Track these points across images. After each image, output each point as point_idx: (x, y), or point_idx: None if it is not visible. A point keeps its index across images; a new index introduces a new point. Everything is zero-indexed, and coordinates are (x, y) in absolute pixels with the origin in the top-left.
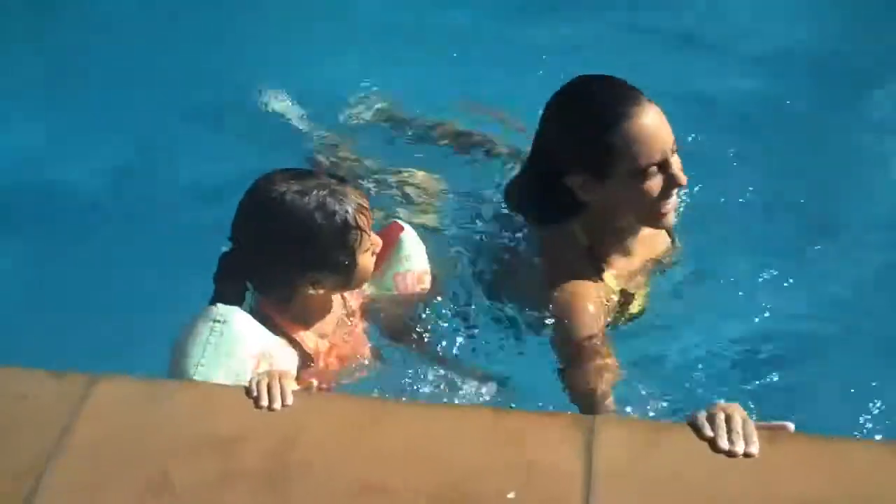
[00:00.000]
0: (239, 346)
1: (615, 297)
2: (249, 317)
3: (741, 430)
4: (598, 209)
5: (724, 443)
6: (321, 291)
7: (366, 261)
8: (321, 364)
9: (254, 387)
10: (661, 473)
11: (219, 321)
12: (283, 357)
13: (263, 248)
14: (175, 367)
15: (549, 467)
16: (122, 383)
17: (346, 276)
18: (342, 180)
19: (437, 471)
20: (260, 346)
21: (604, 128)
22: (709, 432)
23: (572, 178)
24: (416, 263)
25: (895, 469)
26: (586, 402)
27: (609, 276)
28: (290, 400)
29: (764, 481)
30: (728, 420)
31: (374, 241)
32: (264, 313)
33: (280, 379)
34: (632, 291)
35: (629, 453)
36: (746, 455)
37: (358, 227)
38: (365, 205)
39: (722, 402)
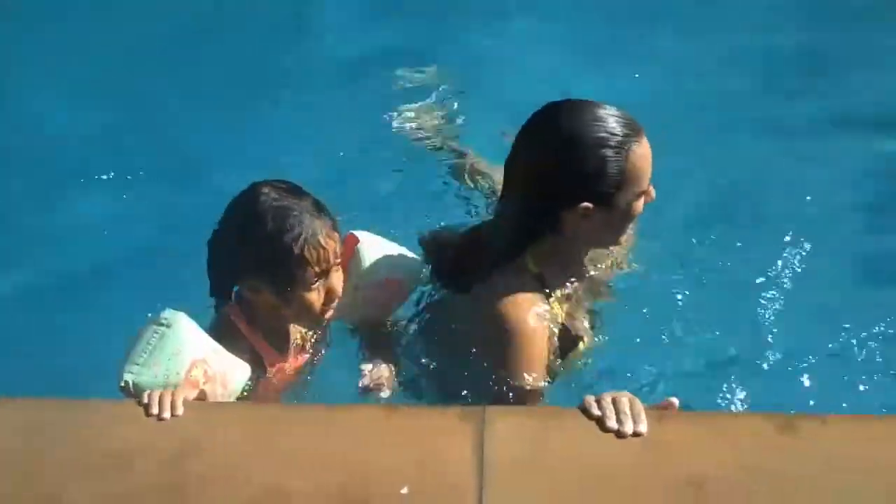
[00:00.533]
0: (177, 350)
1: (558, 322)
2: (194, 323)
3: (629, 410)
4: (567, 238)
5: (612, 423)
6: (258, 300)
7: (310, 297)
8: (274, 378)
9: (145, 397)
10: (554, 458)
11: (162, 324)
12: (224, 365)
13: (224, 235)
14: (119, 367)
15: (442, 459)
16: (13, 405)
17: (285, 298)
18: (321, 210)
19: (336, 471)
20: (198, 353)
21: (617, 155)
22: (596, 411)
23: (579, 209)
24: (375, 275)
25: (775, 440)
26: None
27: (555, 303)
28: (179, 410)
29: (654, 460)
30: (615, 402)
31: (331, 288)
32: (231, 320)
33: (173, 391)
34: (574, 332)
35: (521, 441)
36: (636, 434)
37: (303, 257)
38: (325, 244)
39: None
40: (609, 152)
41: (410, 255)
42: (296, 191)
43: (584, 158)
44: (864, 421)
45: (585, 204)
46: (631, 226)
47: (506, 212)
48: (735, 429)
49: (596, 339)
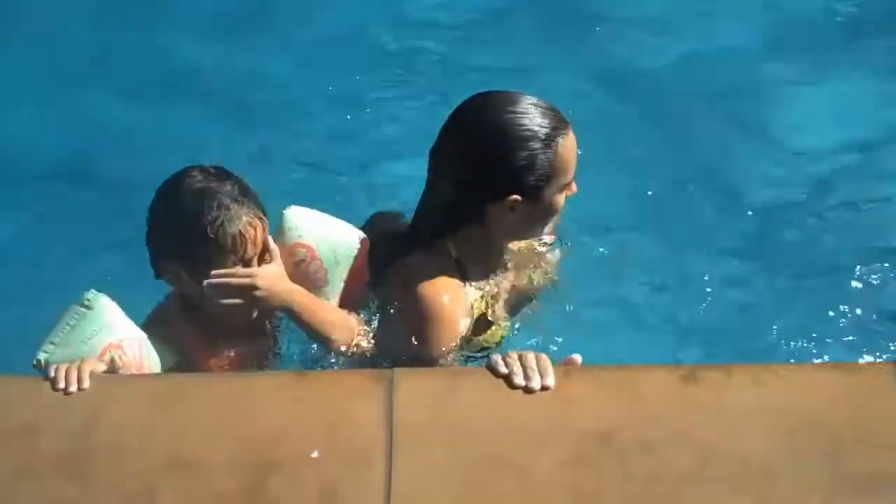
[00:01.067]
0: (93, 333)
1: (475, 311)
2: (117, 307)
3: (535, 365)
4: (489, 229)
5: (519, 379)
6: (180, 286)
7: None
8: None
9: (52, 371)
10: (463, 416)
11: (84, 305)
12: (143, 354)
13: (151, 217)
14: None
15: (351, 423)
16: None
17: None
18: (246, 195)
19: (243, 438)
20: (115, 337)
21: (546, 149)
22: (503, 369)
23: (506, 201)
24: (287, 236)
25: (676, 391)
26: None
27: (472, 289)
28: (86, 384)
29: (561, 414)
30: (522, 358)
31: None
32: (167, 305)
33: (80, 363)
34: (490, 319)
35: (430, 400)
36: (543, 388)
37: (219, 243)
38: (244, 230)
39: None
40: (538, 145)
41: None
42: (223, 175)
43: (514, 151)
44: (763, 370)
45: (514, 197)
46: (553, 220)
47: (431, 199)
48: (640, 381)
49: (512, 330)
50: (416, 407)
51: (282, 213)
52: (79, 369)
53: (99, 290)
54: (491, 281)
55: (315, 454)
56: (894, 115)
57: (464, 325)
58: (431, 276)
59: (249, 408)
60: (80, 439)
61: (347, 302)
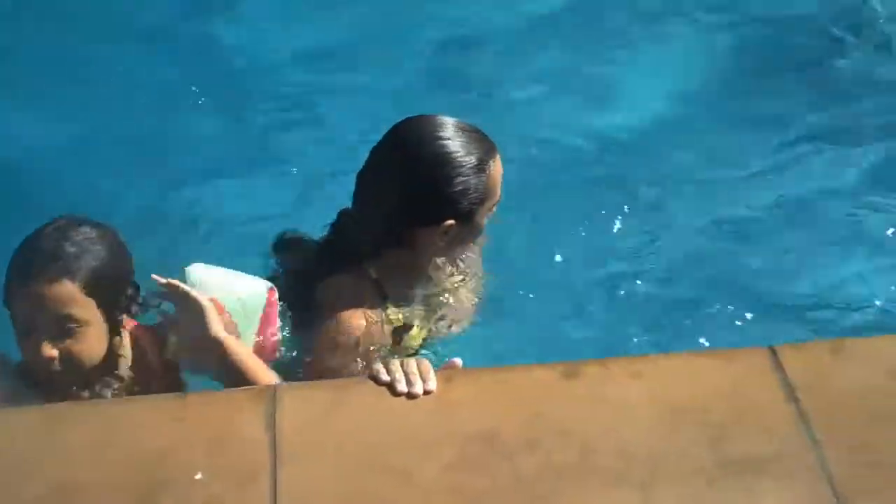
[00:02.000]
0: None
1: (392, 325)
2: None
3: (416, 371)
4: (416, 252)
5: (402, 386)
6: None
7: (30, 343)
8: None
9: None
10: (348, 428)
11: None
12: None
13: None
14: None
15: (235, 441)
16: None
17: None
18: (68, 238)
19: (127, 463)
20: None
21: (479, 174)
22: (385, 377)
23: (441, 227)
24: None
25: (557, 387)
26: None
27: (391, 307)
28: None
29: (445, 418)
30: (403, 364)
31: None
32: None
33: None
34: (410, 322)
35: (314, 415)
36: (426, 392)
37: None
38: (39, 282)
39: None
40: (471, 171)
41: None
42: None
43: (450, 179)
44: (641, 362)
45: (449, 222)
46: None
47: (357, 222)
48: (521, 380)
49: (434, 326)
50: (301, 420)
51: (183, 270)
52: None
53: None
54: (412, 294)
55: (199, 475)
56: None
57: (374, 348)
58: (347, 302)
59: (132, 430)
60: None
61: (259, 355)
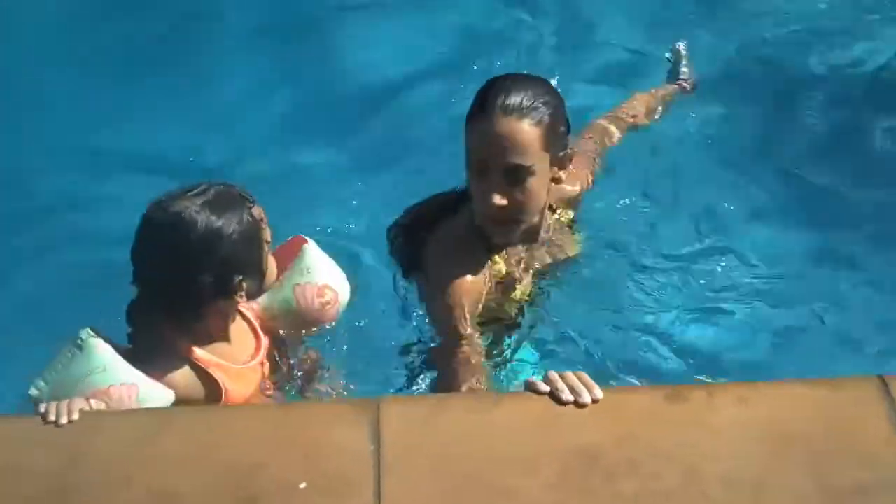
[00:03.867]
0: (83, 374)
1: (499, 275)
2: (109, 349)
3: (578, 381)
4: None
5: (566, 395)
6: (242, 301)
7: (271, 261)
8: (231, 396)
9: (41, 407)
10: (451, 441)
11: (77, 345)
12: (131, 400)
13: (174, 269)
14: None
15: (338, 452)
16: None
17: (261, 278)
18: (225, 184)
19: (226, 471)
20: (103, 384)
21: (472, 107)
22: (544, 388)
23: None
24: (316, 276)
25: (661, 410)
26: (442, 380)
27: (497, 257)
28: (75, 415)
29: (547, 436)
30: (564, 377)
31: (267, 237)
32: (171, 344)
33: (69, 402)
34: (515, 276)
35: (416, 427)
36: (595, 401)
37: (261, 220)
38: (252, 198)
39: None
40: (470, 111)
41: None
42: (186, 192)
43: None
44: (746, 388)
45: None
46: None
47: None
48: (625, 402)
49: (534, 292)
50: (403, 432)
51: (303, 249)
52: (68, 405)
53: (95, 329)
54: (519, 248)
55: (303, 485)
56: None
57: (481, 293)
58: (450, 262)
59: (232, 439)
60: (62, 476)
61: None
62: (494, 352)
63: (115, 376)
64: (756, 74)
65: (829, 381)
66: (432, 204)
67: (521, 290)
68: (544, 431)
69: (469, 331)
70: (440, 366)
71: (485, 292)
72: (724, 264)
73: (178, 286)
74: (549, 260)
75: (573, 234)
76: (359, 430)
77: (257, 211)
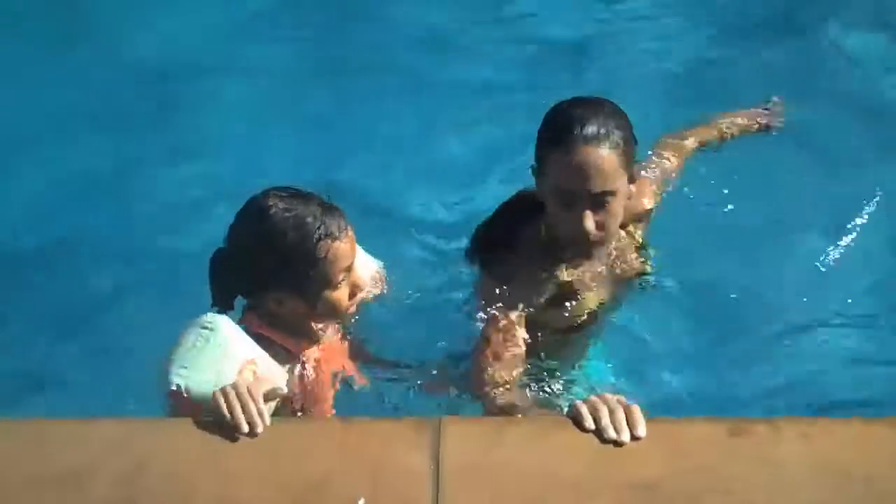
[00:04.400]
0: (224, 352)
1: (561, 282)
2: (236, 326)
3: (623, 417)
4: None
5: (610, 433)
6: (283, 310)
7: (337, 295)
8: (311, 372)
9: (224, 410)
10: (509, 467)
11: (206, 328)
12: (269, 368)
13: (237, 253)
14: (161, 373)
15: (397, 470)
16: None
17: (309, 302)
18: (331, 208)
19: (288, 484)
20: (245, 353)
21: (550, 141)
22: (591, 424)
23: (534, 166)
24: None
25: (723, 443)
26: (476, 378)
27: (562, 267)
28: (268, 420)
29: (606, 466)
30: (612, 412)
31: (354, 282)
32: (248, 325)
33: (250, 390)
34: (577, 288)
35: (476, 449)
36: (635, 439)
37: (327, 259)
38: (344, 240)
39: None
40: (550, 134)
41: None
42: (301, 195)
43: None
44: (810, 424)
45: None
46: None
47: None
48: (686, 433)
49: (604, 302)
50: (463, 454)
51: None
52: (254, 400)
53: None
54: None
55: (361, 501)
56: None
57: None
58: (510, 262)
59: (293, 453)
60: (129, 484)
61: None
62: (562, 356)
63: (250, 348)
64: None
65: (890, 419)
66: (507, 217)
67: (585, 301)
68: (602, 460)
69: (508, 323)
70: (473, 355)
71: (541, 298)
72: (811, 291)
73: (236, 270)
74: (616, 272)
75: (646, 250)
76: (420, 449)
77: (337, 246)
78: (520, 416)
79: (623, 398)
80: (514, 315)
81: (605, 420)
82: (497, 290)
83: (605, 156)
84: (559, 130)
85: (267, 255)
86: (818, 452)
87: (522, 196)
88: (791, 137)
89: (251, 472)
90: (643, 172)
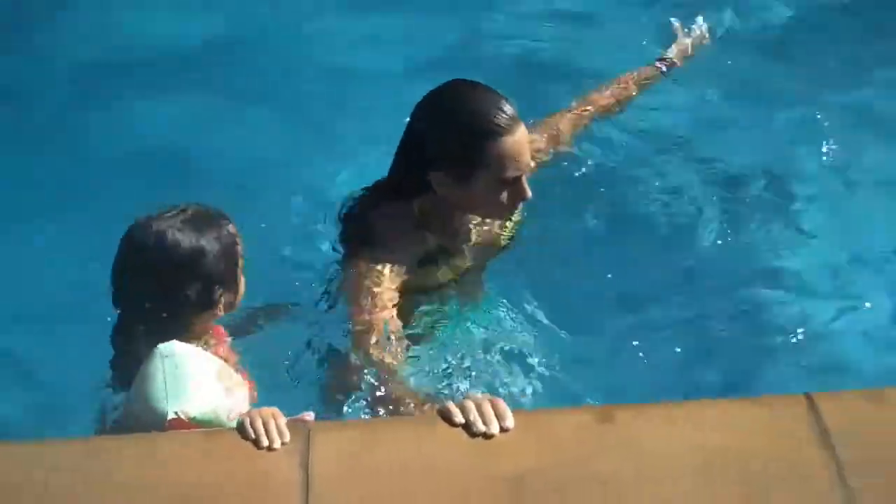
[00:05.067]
0: (195, 370)
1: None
2: (186, 344)
3: (491, 410)
4: (445, 200)
5: (479, 426)
6: (220, 313)
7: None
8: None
9: (248, 428)
10: (381, 470)
11: (166, 356)
12: (230, 373)
13: (160, 287)
14: (142, 416)
15: (266, 480)
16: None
17: (237, 291)
18: (201, 204)
19: (156, 497)
20: (213, 362)
21: (477, 138)
22: (459, 418)
23: (435, 174)
24: None
25: (591, 431)
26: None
27: (430, 235)
28: (287, 437)
29: (478, 460)
30: (478, 407)
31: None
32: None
33: (274, 417)
34: (445, 254)
35: (346, 453)
36: (504, 430)
37: (236, 235)
38: (227, 216)
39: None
40: (469, 134)
41: None
42: (175, 210)
43: (451, 132)
44: (676, 408)
45: (444, 173)
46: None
47: (392, 169)
48: (555, 423)
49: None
50: (333, 461)
51: None
52: (276, 422)
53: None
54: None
55: None
56: None
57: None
58: (382, 231)
59: (163, 467)
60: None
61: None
62: (436, 313)
63: (213, 359)
64: None
65: (757, 399)
66: (374, 198)
67: (452, 268)
68: (475, 455)
69: (373, 318)
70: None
71: (406, 273)
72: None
73: (164, 303)
74: (483, 239)
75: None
76: (289, 455)
77: (232, 228)
78: (394, 408)
79: (489, 395)
80: (379, 305)
81: (473, 414)
82: (367, 266)
83: (524, 126)
84: (483, 122)
85: (199, 269)
86: (685, 436)
87: (381, 183)
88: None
89: (121, 486)
90: None
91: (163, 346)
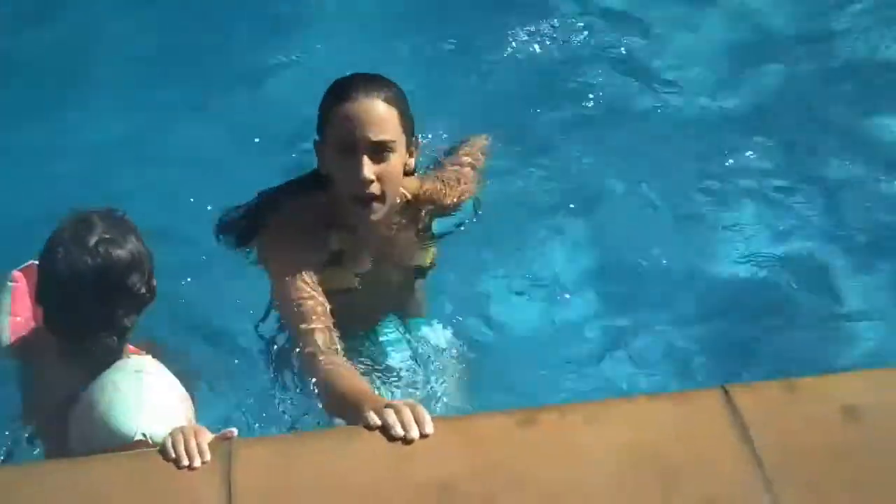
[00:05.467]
0: (165, 389)
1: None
2: (155, 360)
3: (411, 416)
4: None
5: (398, 430)
6: None
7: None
8: None
9: (170, 448)
10: (305, 483)
11: (138, 370)
12: (182, 391)
13: (101, 304)
14: (99, 432)
15: (188, 499)
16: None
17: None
18: (103, 212)
19: None
20: (176, 382)
21: (327, 98)
22: (377, 422)
23: (316, 140)
24: None
25: (514, 435)
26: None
27: (335, 235)
28: (207, 456)
29: (403, 468)
30: (397, 410)
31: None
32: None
33: (196, 435)
34: (347, 256)
35: (269, 469)
36: (424, 436)
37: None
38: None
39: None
40: (326, 95)
41: None
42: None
43: (322, 99)
44: (597, 407)
45: (317, 139)
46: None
47: None
48: (478, 428)
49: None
50: (256, 476)
51: None
52: (197, 441)
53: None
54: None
55: None
56: None
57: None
58: (287, 227)
59: (87, 492)
60: None
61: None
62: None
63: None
64: None
65: (675, 394)
66: (286, 189)
67: (342, 275)
68: (399, 465)
69: (310, 326)
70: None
71: (313, 256)
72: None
73: (111, 317)
74: (390, 250)
75: (432, 239)
76: (211, 472)
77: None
78: (326, 411)
79: (410, 401)
80: (306, 278)
81: (392, 418)
82: (283, 258)
83: (383, 107)
84: (339, 89)
85: (139, 275)
86: (607, 434)
87: (294, 181)
88: None
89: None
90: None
91: (134, 361)
